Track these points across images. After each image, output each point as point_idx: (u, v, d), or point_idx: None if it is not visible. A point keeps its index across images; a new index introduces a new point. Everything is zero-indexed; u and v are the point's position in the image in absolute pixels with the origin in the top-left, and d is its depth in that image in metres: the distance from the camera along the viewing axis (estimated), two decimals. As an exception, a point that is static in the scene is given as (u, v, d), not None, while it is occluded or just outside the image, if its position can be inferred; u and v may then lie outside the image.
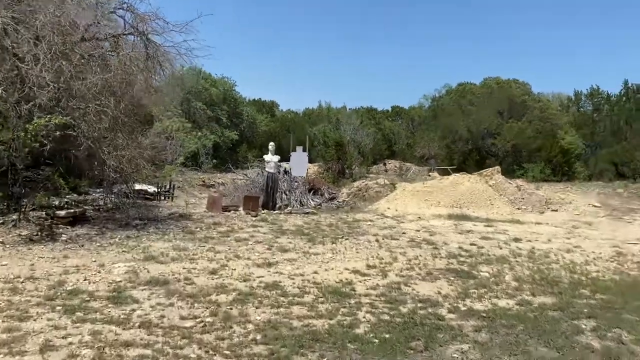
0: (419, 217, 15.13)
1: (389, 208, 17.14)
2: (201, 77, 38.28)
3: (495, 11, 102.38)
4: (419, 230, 12.45)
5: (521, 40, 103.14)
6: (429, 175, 40.42)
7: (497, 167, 20.02)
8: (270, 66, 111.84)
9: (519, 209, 17.69)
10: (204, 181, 31.10)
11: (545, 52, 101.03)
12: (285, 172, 30.65)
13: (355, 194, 25.63)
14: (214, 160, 33.35)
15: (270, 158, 14.91)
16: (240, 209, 14.70)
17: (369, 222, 13.64)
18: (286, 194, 28.19)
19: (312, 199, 26.25)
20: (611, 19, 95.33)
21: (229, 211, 14.19)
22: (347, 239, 10.71)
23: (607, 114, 45.30)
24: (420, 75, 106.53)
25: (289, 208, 15.05)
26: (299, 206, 26.54)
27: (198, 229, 11.23)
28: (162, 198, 17.15)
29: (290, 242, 10.07)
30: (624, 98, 44.51)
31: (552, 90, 52.08)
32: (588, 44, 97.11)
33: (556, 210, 17.58)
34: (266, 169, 15.10)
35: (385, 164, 44.55)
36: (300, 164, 15.17)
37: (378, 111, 59.49)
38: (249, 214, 13.72)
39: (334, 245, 10.00)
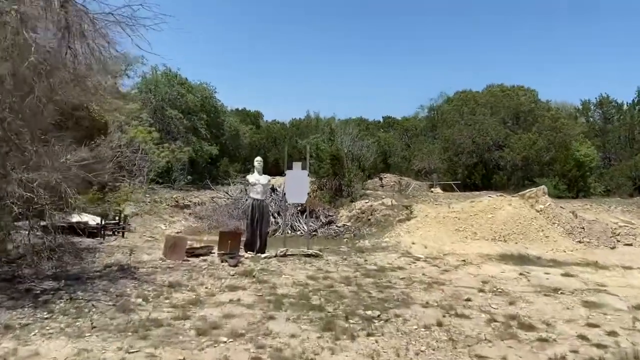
0: (464, 260, 10.91)
1: (413, 243, 12.93)
2: (176, 81, 33.91)
3: (486, 20, 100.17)
4: (483, 291, 8.22)
5: (517, 48, 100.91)
6: (431, 191, 36.41)
7: (543, 187, 15.96)
8: (252, 77, 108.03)
9: (580, 242, 13.60)
10: (177, 201, 26.63)
11: (545, 61, 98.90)
12: (273, 190, 26.38)
13: (357, 218, 21.39)
14: (189, 177, 28.88)
15: (257, 179, 10.56)
16: (215, 251, 10.40)
17: (401, 273, 9.40)
18: (275, 217, 23.93)
19: (305, 223, 21.98)
20: (613, 27, 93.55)
21: (198, 256, 9.85)
22: (387, 319, 6.43)
23: (620, 123, 41.93)
24: (410, 85, 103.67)
25: (280, 250, 10.68)
26: (289, 232, 22.27)
27: (141, 300, 6.88)
28: (111, 233, 12.76)
29: (293, 335, 5.74)
30: (638, 106, 41.12)
31: (555, 99, 48.44)
32: (591, 51, 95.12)
33: (630, 245, 13.54)
34: (250, 194, 10.72)
35: (381, 179, 40.46)
36: (298, 187, 10.88)
37: (369, 122, 55.77)
38: (226, 261, 9.40)
39: (371, 340, 5.69)
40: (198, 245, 10.40)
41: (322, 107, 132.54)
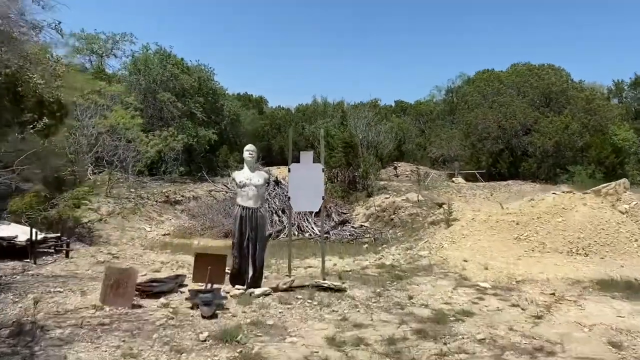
0: (553, 294, 7.46)
1: (466, 260, 9.50)
2: (170, 62, 30.38)
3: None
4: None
5: (538, 27, 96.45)
6: (453, 181, 32.87)
7: (624, 181, 12.45)
8: (255, 61, 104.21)
9: (688, 255, 10.12)
10: (167, 196, 23.24)
11: (567, 41, 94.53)
12: (277, 183, 22.94)
13: (377, 217, 17.92)
14: (181, 168, 25.40)
15: (247, 177, 7.03)
16: (188, 281, 7.06)
17: (473, 325, 5.99)
18: (279, 215, 20.50)
19: (315, 223, 18.59)
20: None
21: (158, 296, 6.47)
22: None
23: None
24: (421, 68, 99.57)
25: (285, 280, 7.27)
26: (296, 233, 18.84)
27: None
28: (53, 252, 9.35)
29: None
30: (681, 86, 37.27)
31: (585, 80, 44.44)
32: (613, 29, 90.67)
33: None
34: (238, 201, 7.22)
35: (395, 168, 36.95)
36: (308, 187, 7.43)
37: (380, 106, 52.06)
38: (197, 305, 5.99)
39: None
40: (161, 276, 6.98)
41: (328, 93, 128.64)
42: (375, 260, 11.13)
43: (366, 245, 14.43)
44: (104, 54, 30.17)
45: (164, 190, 23.17)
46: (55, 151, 11.04)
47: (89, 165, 20.79)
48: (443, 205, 14.84)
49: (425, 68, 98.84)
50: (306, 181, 7.49)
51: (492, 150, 34.63)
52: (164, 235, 17.98)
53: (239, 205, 6.96)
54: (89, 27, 39.08)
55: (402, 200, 17.74)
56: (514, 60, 55.91)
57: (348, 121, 27.11)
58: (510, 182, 31.68)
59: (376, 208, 17.94)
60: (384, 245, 14.23)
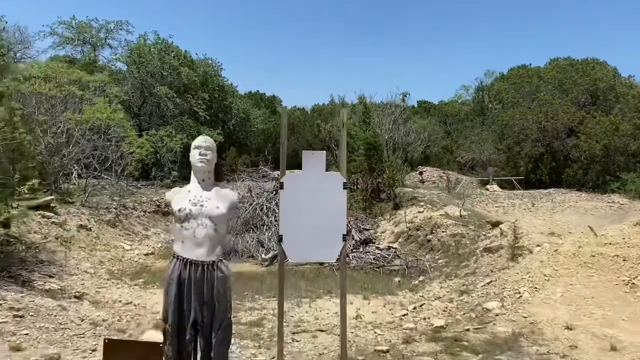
0: None
1: (569, 328, 5.95)
2: (170, 52, 27.14)
3: None
4: None
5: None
6: (487, 189, 29.12)
7: None
8: (268, 61, 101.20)
9: None
10: (158, 205, 19.95)
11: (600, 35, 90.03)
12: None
13: (409, 237, 14.39)
14: (175, 172, 22.11)
15: (196, 201, 3.51)
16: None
17: None
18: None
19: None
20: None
21: None
22: None
23: None
24: (443, 67, 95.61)
25: None
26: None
27: None
28: None
29: None
30: None
31: (634, 75, 40.19)
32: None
33: None
34: (176, 249, 3.57)
35: (421, 173, 33.28)
36: (318, 218, 3.89)
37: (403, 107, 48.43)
38: None
39: None
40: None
41: (345, 92, 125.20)
42: (417, 312, 7.68)
43: (398, 278, 10.92)
44: (97, 44, 27.14)
45: (154, 198, 19.89)
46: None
47: (74, 168, 17.70)
48: (500, 226, 11.25)
49: (448, 67, 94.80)
50: (313, 205, 4.06)
51: (531, 154, 30.86)
52: (147, 255, 14.73)
53: (178, 258, 3.51)
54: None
55: (440, 215, 14.17)
56: (542, 57, 51.87)
57: (371, 119, 23.53)
58: (551, 190, 27.95)
59: (408, 225, 14.39)
60: (422, 278, 10.74)
